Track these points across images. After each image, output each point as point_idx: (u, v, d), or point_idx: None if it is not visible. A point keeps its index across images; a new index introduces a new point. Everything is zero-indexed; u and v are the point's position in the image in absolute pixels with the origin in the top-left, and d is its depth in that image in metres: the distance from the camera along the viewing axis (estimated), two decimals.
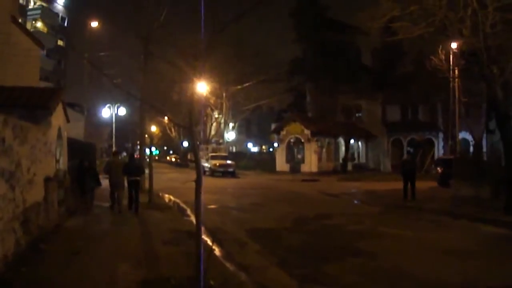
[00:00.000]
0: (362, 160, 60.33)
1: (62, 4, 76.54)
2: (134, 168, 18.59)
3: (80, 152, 19.95)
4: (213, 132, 69.22)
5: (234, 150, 73.40)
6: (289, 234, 14.76)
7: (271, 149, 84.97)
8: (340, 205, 23.44)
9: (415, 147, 53.97)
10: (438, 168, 34.81)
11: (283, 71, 60.47)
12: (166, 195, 26.18)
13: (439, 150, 55.55)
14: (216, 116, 67.66)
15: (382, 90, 56.15)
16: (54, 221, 13.84)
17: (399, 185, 31.59)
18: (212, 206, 21.66)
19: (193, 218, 17.00)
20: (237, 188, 33.26)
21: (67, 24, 77.96)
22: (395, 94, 54.80)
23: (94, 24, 39.92)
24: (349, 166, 55.54)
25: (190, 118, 7.79)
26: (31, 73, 18.95)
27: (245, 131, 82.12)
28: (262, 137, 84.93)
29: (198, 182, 7.81)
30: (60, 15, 76.53)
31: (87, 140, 40.03)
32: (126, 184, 18.70)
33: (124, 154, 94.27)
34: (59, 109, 15.08)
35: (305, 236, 14.46)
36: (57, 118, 14.68)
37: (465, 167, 27.04)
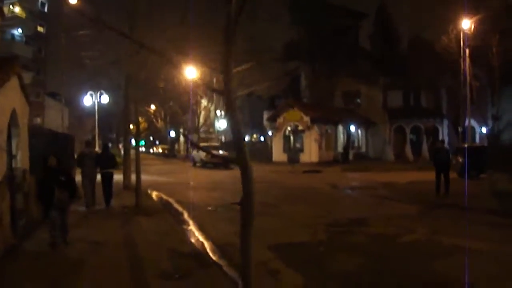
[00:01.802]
0: (362, 148, 56.78)
1: None
2: (107, 160, 17.34)
3: (53, 146, 16.08)
4: (202, 121, 65.53)
5: (223, 139, 69.41)
6: (332, 252, 10.88)
7: (261, 138, 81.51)
8: (366, 204, 19.71)
9: (427, 134, 50.90)
10: (459, 158, 31.27)
11: (277, 55, 57.11)
12: (155, 193, 22.53)
13: (444, 137, 51.85)
14: (205, 104, 63.97)
15: (383, 74, 52.79)
16: (7, 241, 9.88)
17: (415, 175, 30.68)
18: (211, 208, 17.93)
19: (193, 227, 13.25)
20: (236, 183, 29.17)
21: (47, 9, 73.31)
22: (396, 79, 51.79)
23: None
24: (350, 155, 51.86)
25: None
26: None
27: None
28: (254, 126, 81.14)
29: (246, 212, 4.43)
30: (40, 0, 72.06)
31: (70, 132, 36.33)
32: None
33: (110, 145, 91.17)
34: (13, 85, 10.97)
35: (355, 256, 10.57)
36: (9, 97, 10.54)
37: (501, 157, 23.66)
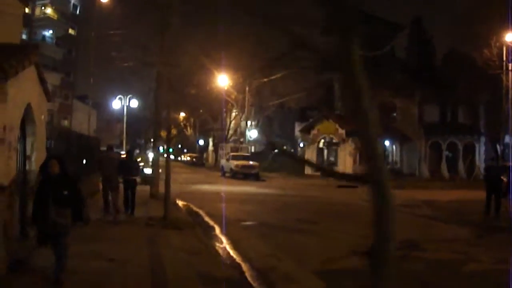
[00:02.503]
0: (397, 164, 54.73)
1: None
2: (131, 167, 16.58)
3: (74, 148, 14.95)
4: (231, 131, 64.27)
5: (253, 150, 67.92)
6: None
7: (292, 150, 79.81)
8: (412, 224, 18.00)
9: (464, 152, 48.92)
10: (503, 177, 29.48)
11: (312, 64, 55.71)
12: (184, 203, 21.19)
13: (480, 155, 50.65)
14: (235, 113, 62.75)
15: (419, 88, 50.95)
16: (13, 255, 8.52)
17: (454, 194, 29.57)
18: (248, 223, 16.57)
19: (227, 246, 11.87)
20: (269, 195, 28.03)
21: (79, 11, 73.01)
22: (433, 93, 49.84)
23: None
24: None
25: None
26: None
27: (266, 130, 76.62)
28: (284, 137, 79.51)
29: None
30: (72, 2, 71.73)
31: (97, 136, 35.48)
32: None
33: (138, 151, 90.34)
34: (29, 76, 9.66)
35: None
36: (23, 89, 9.16)
37: None
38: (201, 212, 18.68)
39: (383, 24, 56.06)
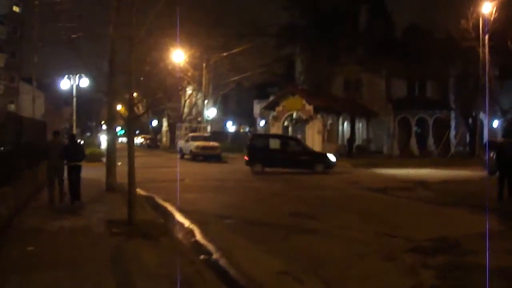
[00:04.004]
0: (363, 141, 52.25)
1: None
2: (75, 151, 15.77)
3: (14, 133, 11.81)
4: (186, 110, 60.65)
5: (209, 129, 64.43)
6: None
7: (247, 129, 77.05)
8: (425, 213, 15.32)
9: (440, 127, 46.84)
10: (492, 154, 27.41)
11: (272, 38, 53.14)
12: (146, 194, 17.98)
13: (450, 131, 49.27)
14: (190, 91, 59.17)
15: (385, 62, 48.52)
16: None
17: (439, 172, 29.17)
18: (232, 221, 13.38)
19: (220, 259, 8.65)
20: (239, 181, 24.86)
21: None
22: (400, 67, 47.60)
23: None
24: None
25: None
26: None
27: (222, 109, 73.20)
28: (242, 116, 76.45)
29: None
30: None
31: (43, 119, 32.11)
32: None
33: (88, 134, 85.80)
34: None
35: None
36: None
37: None
38: (170, 207, 15.34)
39: None
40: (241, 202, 17.12)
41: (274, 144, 31.19)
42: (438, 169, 31.91)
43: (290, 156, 29.64)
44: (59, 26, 22.80)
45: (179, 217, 13.60)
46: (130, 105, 12.35)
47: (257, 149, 30.04)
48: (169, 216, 14.01)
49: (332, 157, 30.31)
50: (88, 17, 22.58)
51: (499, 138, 34.42)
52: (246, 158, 30.24)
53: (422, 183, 23.26)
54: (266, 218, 14.00)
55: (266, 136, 36.61)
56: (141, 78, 17.86)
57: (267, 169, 28.87)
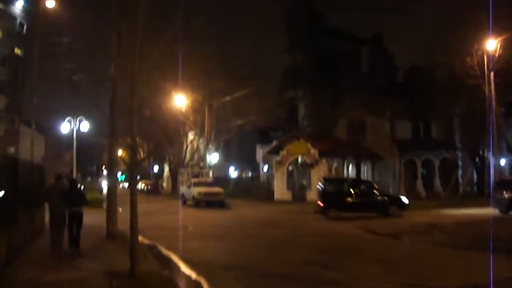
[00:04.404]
0: None
1: (20, 8, 66.21)
2: (76, 197, 15.27)
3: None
4: (188, 155, 59.71)
5: (211, 174, 63.41)
6: None
7: (250, 174, 76.15)
8: (450, 260, 14.30)
9: (447, 167, 46.05)
10: (505, 192, 26.78)
11: (274, 82, 52.84)
12: (149, 243, 16.94)
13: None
14: (192, 137, 58.42)
15: (389, 104, 48.03)
16: None
17: (450, 214, 28.36)
18: (241, 273, 12.37)
19: None
20: (244, 227, 23.92)
21: (25, 30, 67.84)
22: (404, 108, 47.17)
23: (50, 3, 29.55)
24: None
25: None
26: None
27: (225, 154, 72.35)
28: (244, 161, 75.58)
29: None
30: (19, 20, 66.61)
31: (43, 164, 31.30)
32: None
33: (89, 179, 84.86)
34: None
35: None
36: None
37: None
38: (173, 257, 14.36)
39: (346, 38, 53.65)
40: (248, 250, 16.17)
41: (347, 188, 30.20)
42: (448, 210, 31.25)
43: (364, 199, 28.98)
44: (59, 66, 22.30)
45: (184, 268, 12.64)
46: (132, 146, 11.49)
47: (331, 194, 29.22)
48: (173, 267, 13.06)
49: (404, 199, 29.93)
50: (89, 56, 22.05)
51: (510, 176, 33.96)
52: (319, 204, 29.10)
53: (435, 226, 22.31)
54: (278, 267, 13.06)
55: (339, 180, 35.89)
56: (141, 121, 17.13)
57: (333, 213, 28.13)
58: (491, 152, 37.84)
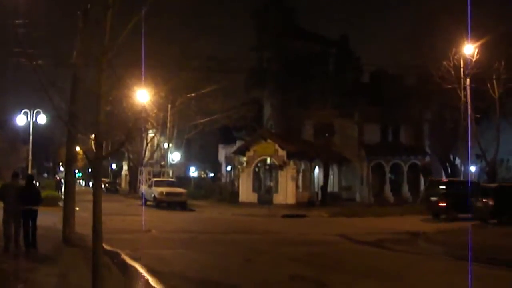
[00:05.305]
0: (335, 188, 50.00)
1: None
2: (32, 195, 14.96)
3: None
4: (147, 154, 57.59)
5: (171, 174, 61.42)
6: None
7: (211, 174, 74.69)
8: (449, 272, 12.79)
9: (423, 172, 45.15)
10: (486, 200, 25.75)
11: (239, 81, 51.39)
12: (111, 249, 14.89)
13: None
14: (152, 134, 56.37)
15: (357, 107, 47.14)
16: None
17: (425, 222, 27.41)
18: None
19: None
20: (213, 232, 22.42)
21: None
22: (373, 111, 46.28)
23: None
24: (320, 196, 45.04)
25: None
26: None
27: (185, 153, 70.30)
28: (205, 160, 73.87)
29: None
30: None
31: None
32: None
33: (45, 175, 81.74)
34: None
35: None
36: None
37: None
38: (141, 269, 12.43)
39: (314, 39, 52.60)
40: (224, 262, 14.34)
41: (463, 189, 29.31)
42: (424, 217, 30.17)
43: None
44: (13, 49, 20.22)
45: (154, 284, 10.75)
46: (98, 137, 9.45)
47: (452, 196, 28.67)
48: (141, 282, 11.17)
49: None
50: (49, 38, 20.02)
51: (490, 183, 33.22)
52: (442, 204, 28.80)
53: (417, 234, 20.99)
54: (262, 284, 11.33)
55: (456, 182, 34.11)
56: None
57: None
58: (469, 158, 36.85)
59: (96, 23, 11.16)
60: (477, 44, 33.41)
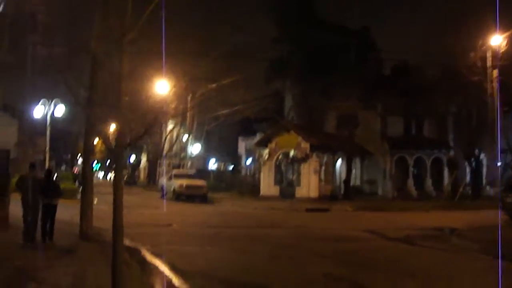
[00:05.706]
0: (357, 182, 49.06)
1: None
2: (52, 188, 14.87)
3: None
4: (167, 145, 56.95)
5: (188, 165, 60.87)
6: None
7: (230, 167, 73.90)
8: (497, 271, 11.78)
9: (450, 167, 44.00)
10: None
11: (260, 72, 50.66)
12: (132, 246, 14.08)
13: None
14: (172, 126, 55.71)
15: (381, 99, 46.14)
16: None
17: (456, 217, 25.48)
18: None
19: None
20: (236, 227, 21.69)
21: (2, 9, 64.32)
22: (396, 104, 45.26)
23: None
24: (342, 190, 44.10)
25: None
26: None
27: (204, 145, 69.67)
28: (224, 153, 73.12)
29: None
30: None
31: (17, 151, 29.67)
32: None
33: (63, 168, 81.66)
34: None
35: None
36: None
37: None
38: (167, 269, 11.56)
39: (336, 30, 51.75)
40: (252, 260, 13.52)
41: None
42: (450, 212, 29.40)
43: None
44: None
45: (178, 284, 9.98)
46: (119, 122, 8.67)
47: None
48: (164, 281, 10.39)
49: None
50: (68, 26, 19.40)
51: None
52: None
53: (450, 230, 20.21)
54: (293, 285, 10.53)
55: None
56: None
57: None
58: (499, 152, 35.81)
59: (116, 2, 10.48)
60: (506, 34, 32.41)
